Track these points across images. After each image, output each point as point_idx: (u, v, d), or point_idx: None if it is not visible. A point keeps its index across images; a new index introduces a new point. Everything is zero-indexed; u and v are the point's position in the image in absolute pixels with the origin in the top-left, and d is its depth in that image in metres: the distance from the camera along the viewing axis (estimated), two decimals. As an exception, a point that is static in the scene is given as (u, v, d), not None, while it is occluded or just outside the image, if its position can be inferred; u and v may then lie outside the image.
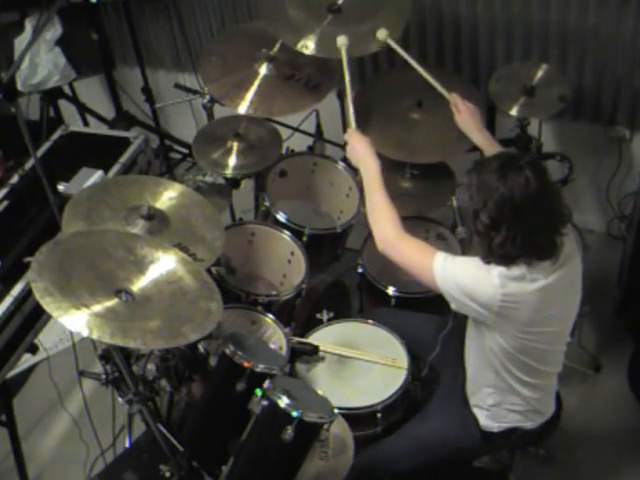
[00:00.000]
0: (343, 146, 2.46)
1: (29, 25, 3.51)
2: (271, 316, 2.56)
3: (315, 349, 2.48)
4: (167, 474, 2.20)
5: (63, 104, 3.98)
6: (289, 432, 1.92)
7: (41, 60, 3.56)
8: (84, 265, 1.91)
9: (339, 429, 2.25)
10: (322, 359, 2.51)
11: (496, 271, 1.97)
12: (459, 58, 3.32)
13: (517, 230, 1.91)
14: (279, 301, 2.65)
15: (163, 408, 2.87)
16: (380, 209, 2.27)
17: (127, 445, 2.71)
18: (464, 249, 2.77)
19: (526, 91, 2.79)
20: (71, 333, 1.94)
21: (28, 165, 2.90)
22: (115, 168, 2.89)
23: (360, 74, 3.54)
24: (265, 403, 1.97)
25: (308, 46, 2.66)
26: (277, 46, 2.84)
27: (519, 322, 2.02)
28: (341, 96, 3.23)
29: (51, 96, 3.82)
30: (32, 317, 2.51)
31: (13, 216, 2.75)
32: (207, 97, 2.98)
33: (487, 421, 2.26)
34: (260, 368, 2.07)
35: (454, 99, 2.60)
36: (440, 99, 2.65)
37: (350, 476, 2.19)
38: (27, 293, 2.44)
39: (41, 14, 3.24)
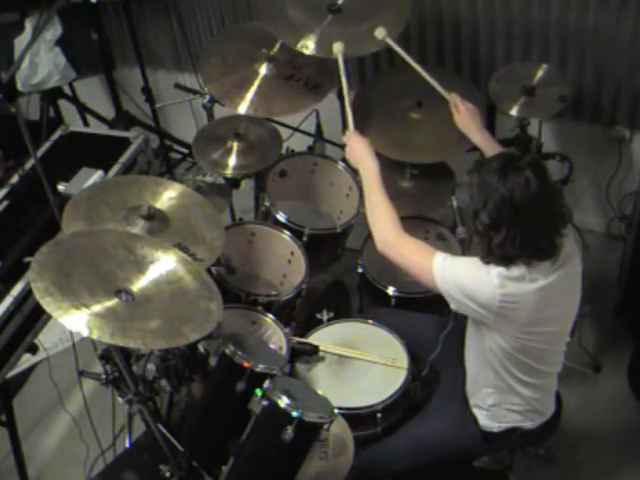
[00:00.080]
0: (343, 146, 2.47)
1: (29, 25, 3.51)
2: (271, 316, 2.56)
3: (315, 349, 2.48)
4: (167, 474, 2.20)
5: (63, 104, 3.98)
6: (289, 432, 1.92)
7: (41, 60, 3.56)
8: (84, 265, 1.91)
9: (339, 429, 2.25)
10: (322, 359, 2.51)
11: (495, 271, 1.97)
12: (459, 58, 3.32)
13: (517, 230, 1.91)
14: (279, 301, 2.65)
15: (163, 408, 2.87)
16: (379, 209, 2.27)
17: (127, 445, 2.71)
18: (464, 249, 2.77)
19: (526, 91, 2.79)
20: (71, 333, 1.94)
21: (28, 165, 2.90)
22: (115, 168, 2.89)
23: (360, 74, 3.54)
24: (265, 403, 1.97)
25: (308, 46, 2.66)
26: (277, 46, 2.84)
27: (518, 322, 2.02)
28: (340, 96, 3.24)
29: (51, 96, 3.83)
30: (32, 317, 2.51)
31: (13, 216, 2.75)
32: (207, 97, 2.98)
33: (487, 421, 2.26)
34: (260, 368, 2.06)
35: (454, 99, 2.60)
36: (440, 99, 2.65)
37: (350, 476, 2.19)
38: (27, 293, 2.44)
39: (41, 14, 3.25)
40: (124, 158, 2.94)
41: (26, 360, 2.93)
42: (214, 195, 2.73)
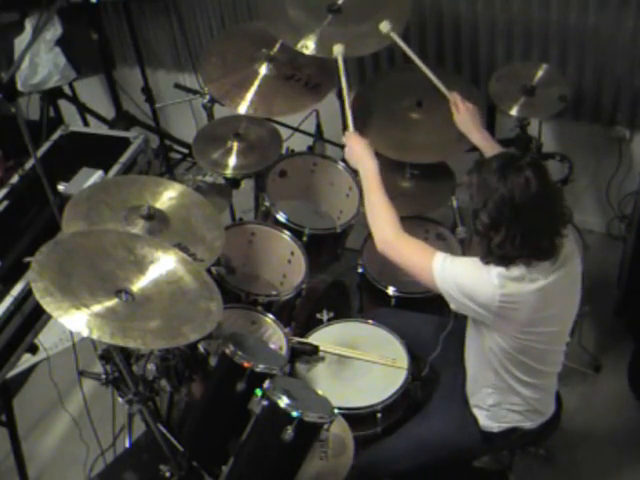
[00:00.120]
0: (343, 146, 2.47)
1: (29, 25, 3.51)
2: (271, 316, 2.56)
3: (315, 349, 2.48)
4: (167, 474, 2.20)
5: (63, 104, 3.98)
6: (289, 432, 1.92)
7: (41, 60, 3.56)
8: (84, 265, 1.91)
9: (339, 429, 2.25)
10: (322, 359, 2.51)
11: (495, 271, 1.97)
12: (459, 58, 3.32)
13: (517, 230, 1.91)
14: (279, 301, 2.65)
15: (163, 408, 2.87)
16: (379, 210, 2.27)
17: (127, 445, 2.71)
18: (464, 249, 2.77)
19: (526, 91, 2.79)
20: (71, 333, 1.94)
21: (28, 165, 2.90)
22: (115, 168, 2.89)
23: (360, 74, 3.54)
24: (265, 403, 1.97)
25: (308, 46, 2.66)
26: (277, 46, 2.84)
27: (518, 322, 2.02)
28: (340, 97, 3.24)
29: (51, 96, 3.83)
30: (32, 317, 2.51)
31: (13, 216, 2.75)
32: (207, 97, 2.98)
33: (487, 421, 2.26)
34: (260, 368, 2.06)
35: (454, 98, 2.60)
36: (440, 99, 2.65)
37: (350, 476, 2.19)
38: (27, 293, 2.44)
39: (41, 14, 3.25)
40: (124, 158, 2.94)
41: (26, 360, 2.92)
42: (214, 195, 2.73)
